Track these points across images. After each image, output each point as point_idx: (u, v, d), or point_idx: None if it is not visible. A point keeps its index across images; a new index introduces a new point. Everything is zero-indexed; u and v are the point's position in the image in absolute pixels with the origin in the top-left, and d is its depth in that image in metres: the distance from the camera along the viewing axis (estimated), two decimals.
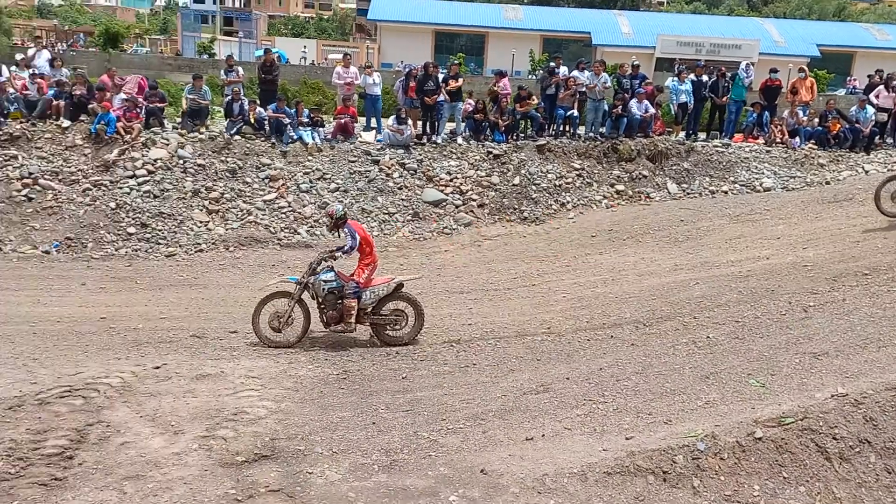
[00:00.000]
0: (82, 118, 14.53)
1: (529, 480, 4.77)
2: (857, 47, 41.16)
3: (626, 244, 12.80)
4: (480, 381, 7.11)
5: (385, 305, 8.51)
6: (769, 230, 12.13)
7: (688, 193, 15.66)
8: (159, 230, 13.11)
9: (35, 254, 12.40)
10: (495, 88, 16.32)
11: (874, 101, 16.46)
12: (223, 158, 14.40)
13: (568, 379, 6.88)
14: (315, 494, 4.78)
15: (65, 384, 6.62)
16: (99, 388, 6.56)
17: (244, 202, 13.87)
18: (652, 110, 16.28)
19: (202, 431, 5.76)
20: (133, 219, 13.18)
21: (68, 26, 63.67)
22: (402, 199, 14.48)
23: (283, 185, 14.23)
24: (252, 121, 14.99)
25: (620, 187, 15.54)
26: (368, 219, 13.90)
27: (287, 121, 14.81)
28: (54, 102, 14.55)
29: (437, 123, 15.75)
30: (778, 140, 16.67)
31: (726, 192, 15.60)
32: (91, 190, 13.48)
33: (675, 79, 16.97)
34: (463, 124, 16.13)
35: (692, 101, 16.62)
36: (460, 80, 16.28)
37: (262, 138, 14.97)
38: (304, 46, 52.32)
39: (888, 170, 15.15)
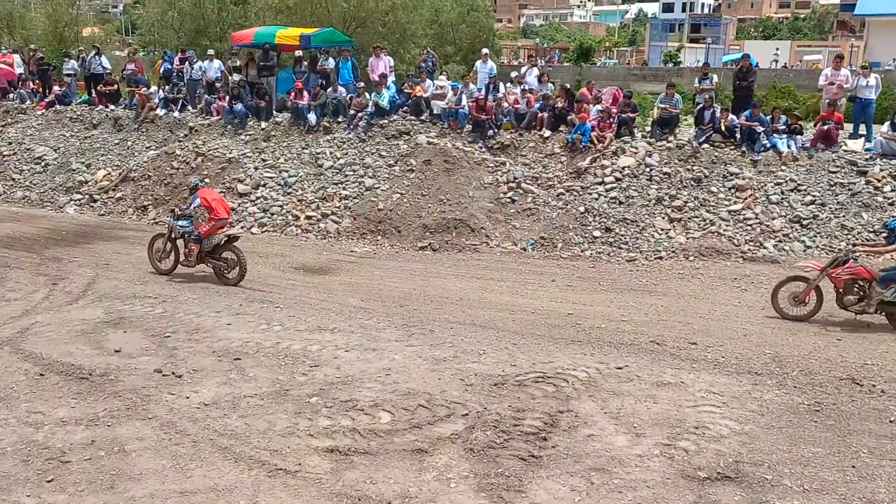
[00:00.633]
0: (561, 129, 15.88)
1: None
2: None
3: None
4: None
5: (222, 253, 10.83)
6: None
7: None
8: (622, 235, 13.60)
9: (514, 250, 13.92)
10: None
11: None
12: (689, 167, 14.30)
13: None
14: None
15: (538, 370, 7.26)
16: (567, 378, 7.04)
17: (707, 211, 13.56)
18: None
19: (663, 439, 5.77)
20: (599, 223, 13.91)
21: (546, 44, 70.58)
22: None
23: (751, 195, 13.51)
24: (722, 128, 14.56)
25: None
26: (849, 236, 12.36)
27: (761, 128, 14.01)
28: (539, 114, 16.19)
29: None
30: None
31: None
32: (564, 194, 14.62)
33: None
34: None
35: None
36: None
37: (732, 146, 14.43)
38: (777, 49, 49.10)
39: None
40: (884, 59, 31.72)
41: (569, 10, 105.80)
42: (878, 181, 13.04)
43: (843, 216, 12.80)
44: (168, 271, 11.31)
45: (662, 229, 13.54)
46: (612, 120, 15.45)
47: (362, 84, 17.45)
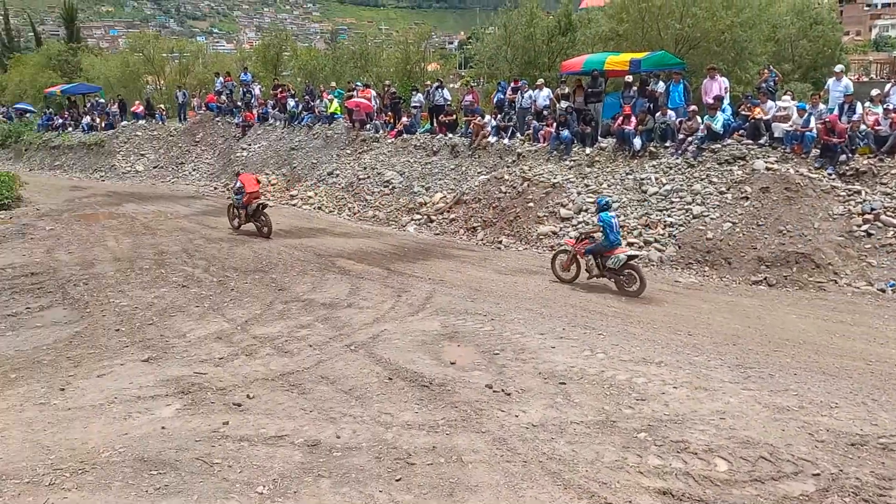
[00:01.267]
0: None
1: None
2: None
3: None
4: None
5: (259, 217, 16.54)
6: None
7: None
8: None
9: (870, 290, 12.15)
10: None
11: None
12: None
13: None
14: None
15: None
16: None
17: None
18: None
19: None
20: None
21: None
22: None
23: None
24: None
25: None
26: None
27: None
28: None
29: None
30: None
31: None
32: None
33: None
34: None
35: None
36: None
37: None
38: None
39: None
40: None
41: None
42: None
43: None
44: (237, 227, 17.23)
45: None
46: None
47: (694, 107, 16.69)
